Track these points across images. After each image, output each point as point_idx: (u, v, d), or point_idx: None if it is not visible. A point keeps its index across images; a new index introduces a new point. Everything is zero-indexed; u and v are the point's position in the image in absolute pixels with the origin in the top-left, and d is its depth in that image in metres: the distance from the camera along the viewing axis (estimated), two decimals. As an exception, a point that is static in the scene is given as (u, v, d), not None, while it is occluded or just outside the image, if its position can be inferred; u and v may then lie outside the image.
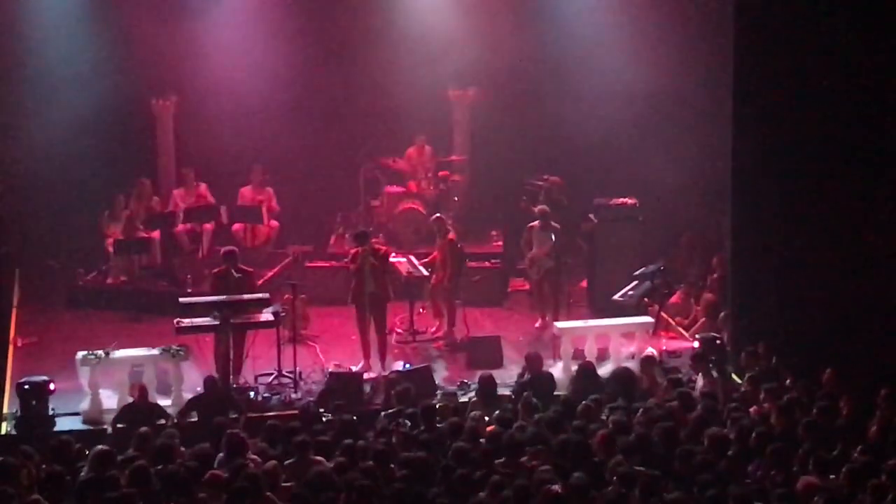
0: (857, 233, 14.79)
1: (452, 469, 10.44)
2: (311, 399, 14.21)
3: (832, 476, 10.43)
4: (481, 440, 11.48)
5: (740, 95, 14.97)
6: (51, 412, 13.90)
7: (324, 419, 12.86)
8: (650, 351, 15.27)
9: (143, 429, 11.93)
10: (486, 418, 12.45)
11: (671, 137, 18.30)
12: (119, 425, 13.20)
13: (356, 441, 11.52)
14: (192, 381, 14.58)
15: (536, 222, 17.12)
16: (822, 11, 14.55)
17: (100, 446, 11.16)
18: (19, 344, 16.33)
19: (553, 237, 16.90)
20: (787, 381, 13.10)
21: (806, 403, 12.25)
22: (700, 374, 14.00)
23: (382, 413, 13.05)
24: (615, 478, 10.20)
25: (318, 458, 11.16)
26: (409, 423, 12.33)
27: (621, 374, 13.57)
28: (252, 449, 11.43)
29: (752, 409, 12.31)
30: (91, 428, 13.87)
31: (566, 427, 11.58)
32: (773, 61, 14.72)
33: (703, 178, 18.26)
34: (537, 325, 16.98)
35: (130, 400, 13.77)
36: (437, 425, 12.05)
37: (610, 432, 11.25)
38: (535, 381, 13.89)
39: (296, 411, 13.78)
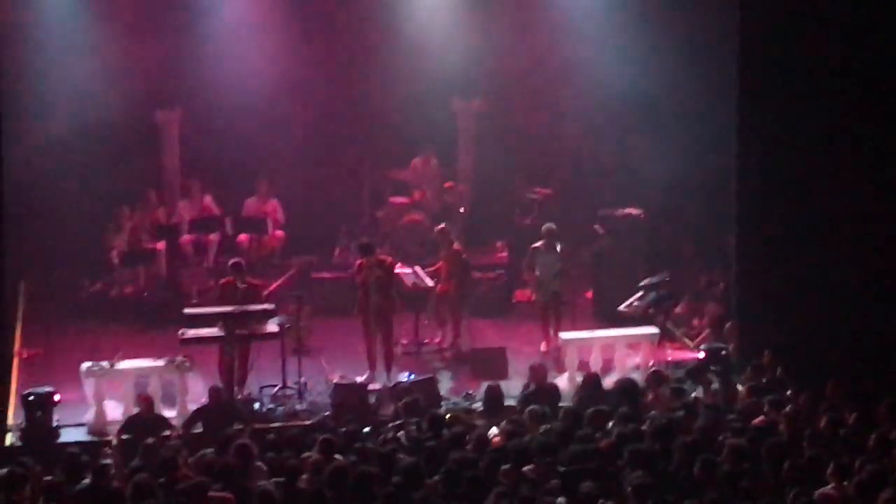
0: (863, 244, 14.76)
1: (454, 478, 10.42)
2: (327, 414, 14.21)
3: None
4: (486, 450, 11.44)
5: (745, 107, 14.97)
6: (55, 423, 13.90)
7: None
8: (659, 367, 15.18)
9: (150, 440, 11.93)
10: (495, 429, 12.45)
11: (676, 148, 18.29)
12: (124, 436, 13.19)
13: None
14: (197, 392, 14.58)
15: (540, 242, 16.83)
16: (829, 17, 14.52)
17: (102, 461, 11.16)
18: (24, 355, 16.33)
19: (560, 258, 16.76)
20: (789, 392, 13.06)
21: (810, 414, 12.20)
22: (700, 386, 13.95)
23: (390, 424, 13.01)
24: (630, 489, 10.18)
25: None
26: (415, 429, 12.32)
27: (625, 385, 13.50)
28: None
29: (756, 420, 12.27)
30: (96, 439, 13.88)
31: (572, 438, 11.55)
32: (779, 71, 14.72)
33: (708, 187, 18.25)
34: (543, 349, 16.77)
35: (136, 411, 13.78)
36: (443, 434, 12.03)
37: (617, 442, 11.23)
38: (540, 392, 13.86)
39: (301, 423, 13.81)
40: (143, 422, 13.35)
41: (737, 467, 10.58)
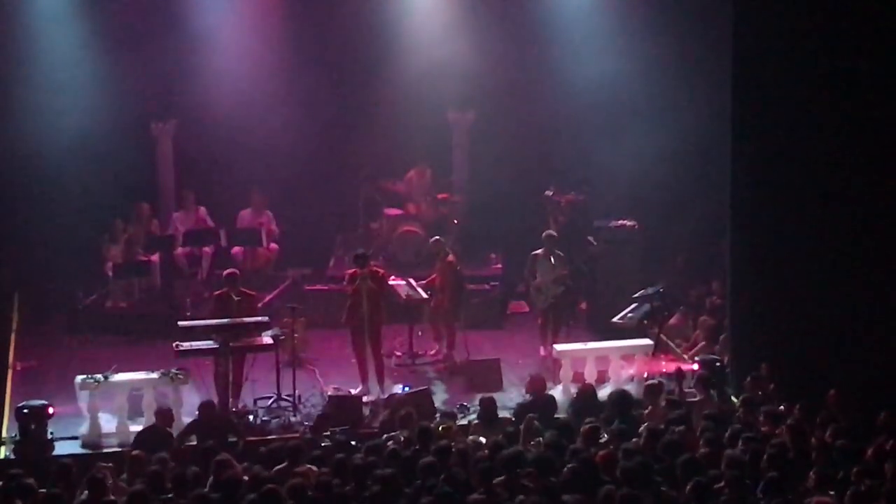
0: (858, 255, 14.76)
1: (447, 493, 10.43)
2: (309, 424, 14.18)
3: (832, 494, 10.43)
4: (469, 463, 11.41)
5: (739, 116, 14.97)
6: (50, 436, 13.87)
7: (322, 444, 12.76)
8: (655, 380, 15.16)
9: (136, 452, 11.89)
10: (483, 440, 12.44)
11: (670, 158, 18.34)
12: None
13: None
14: (192, 404, 14.50)
15: (540, 250, 16.87)
16: (825, 19, 14.50)
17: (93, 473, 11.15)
18: (18, 368, 16.30)
19: (560, 264, 16.77)
20: (782, 407, 13.04)
21: (806, 426, 12.20)
22: (701, 395, 13.98)
23: (384, 436, 12.98)
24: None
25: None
26: (401, 440, 12.30)
27: (619, 397, 13.47)
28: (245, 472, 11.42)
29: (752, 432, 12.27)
30: (90, 452, 13.86)
31: (566, 450, 11.53)
32: (774, 80, 14.67)
33: (702, 197, 18.28)
34: (542, 353, 16.86)
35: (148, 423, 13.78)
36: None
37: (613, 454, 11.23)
38: (537, 403, 13.86)
39: (294, 434, 13.81)
40: (157, 436, 13.28)
41: (733, 479, 10.58)
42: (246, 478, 11.16)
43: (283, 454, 11.76)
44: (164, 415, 13.62)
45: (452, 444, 11.87)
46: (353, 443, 12.70)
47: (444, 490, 10.35)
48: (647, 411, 13.48)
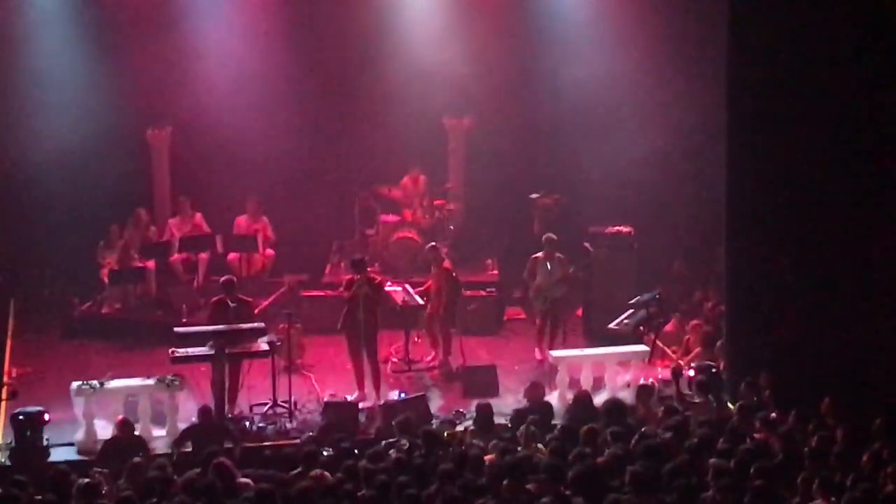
0: (854, 261, 14.75)
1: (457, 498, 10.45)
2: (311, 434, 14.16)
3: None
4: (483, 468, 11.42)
5: (734, 120, 14.98)
6: (45, 442, 13.86)
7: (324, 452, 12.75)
8: (647, 381, 15.22)
9: (136, 459, 11.89)
10: (480, 444, 12.44)
11: (667, 164, 18.36)
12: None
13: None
14: (188, 411, 14.54)
15: (541, 252, 16.99)
16: (824, 21, 14.49)
17: (84, 480, 11.13)
18: (14, 374, 16.25)
19: (560, 268, 16.83)
20: (774, 415, 13.04)
21: (800, 433, 12.21)
22: (700, 399, 14.00)
23: (383, 442, 12.95)
24: None
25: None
26: (406, 446, 12.29)
27: (613, 405, 13.46)
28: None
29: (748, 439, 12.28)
30: (85, 458, 13.83)
31: (567, 455, 11.54)
32: (770, 85, 14.65)
33: (697, 201, 18.29)
34: (538, 357, 16.92)
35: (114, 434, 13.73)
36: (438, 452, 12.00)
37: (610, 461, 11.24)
38: (534, 410, 13.85)
39: (291, 440, 13.80)
40: (122, 445, 13.25)
41: (721, 488, 10.58)
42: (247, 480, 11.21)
43: (299, 459, 11.77)
44: (125, 425, 13.58)
45: (466, 449, 11.91)
46: (355, 451, 12.68)
47: (454, 495, 10.36)
48: (640, 413, 13.50)
